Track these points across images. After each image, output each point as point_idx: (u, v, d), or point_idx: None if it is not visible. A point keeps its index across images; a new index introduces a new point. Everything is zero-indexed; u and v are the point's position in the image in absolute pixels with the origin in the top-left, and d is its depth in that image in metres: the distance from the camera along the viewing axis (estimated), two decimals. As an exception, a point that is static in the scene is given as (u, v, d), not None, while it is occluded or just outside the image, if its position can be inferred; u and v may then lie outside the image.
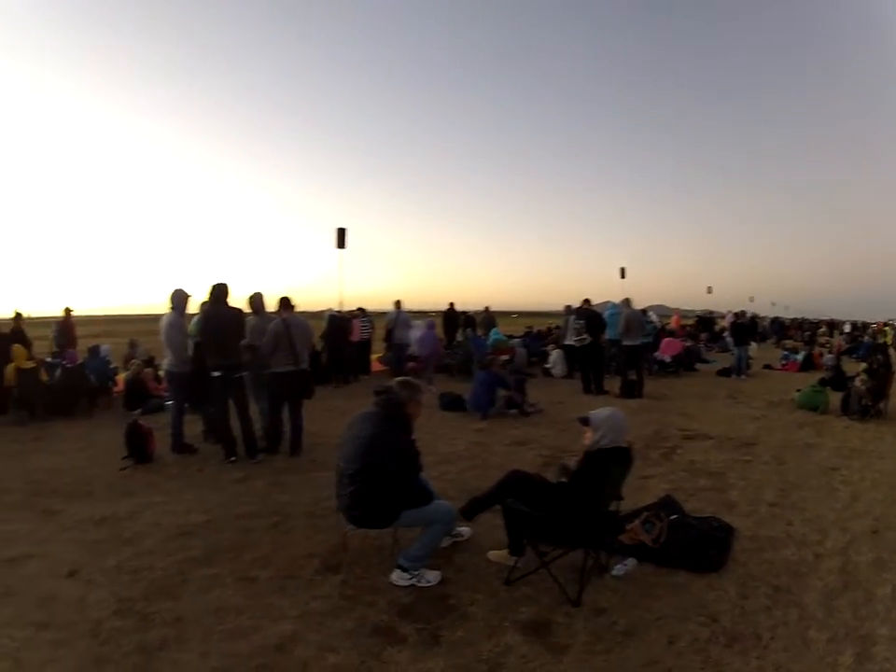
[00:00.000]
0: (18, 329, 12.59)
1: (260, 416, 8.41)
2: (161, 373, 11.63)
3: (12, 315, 12.95)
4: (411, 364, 15.65)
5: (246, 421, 7.67)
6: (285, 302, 8.03)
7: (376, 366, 16.73)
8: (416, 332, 15.27)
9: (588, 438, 4.25)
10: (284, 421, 8.07)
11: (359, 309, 17.02)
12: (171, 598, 4.23)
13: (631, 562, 4.47)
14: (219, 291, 7.56)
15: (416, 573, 4.21)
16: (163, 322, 8.03)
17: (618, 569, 4.39)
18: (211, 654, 3.61)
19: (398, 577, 4.23)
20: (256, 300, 8.50)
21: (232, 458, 7.62)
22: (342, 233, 18.52)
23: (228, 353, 7.48)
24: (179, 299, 8.06)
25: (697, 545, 4.56)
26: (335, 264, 19.72)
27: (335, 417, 9.64)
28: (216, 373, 7.49)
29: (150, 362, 13.81)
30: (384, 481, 4.13)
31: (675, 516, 4.94)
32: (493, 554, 4.55)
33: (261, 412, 8.46)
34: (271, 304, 8.55)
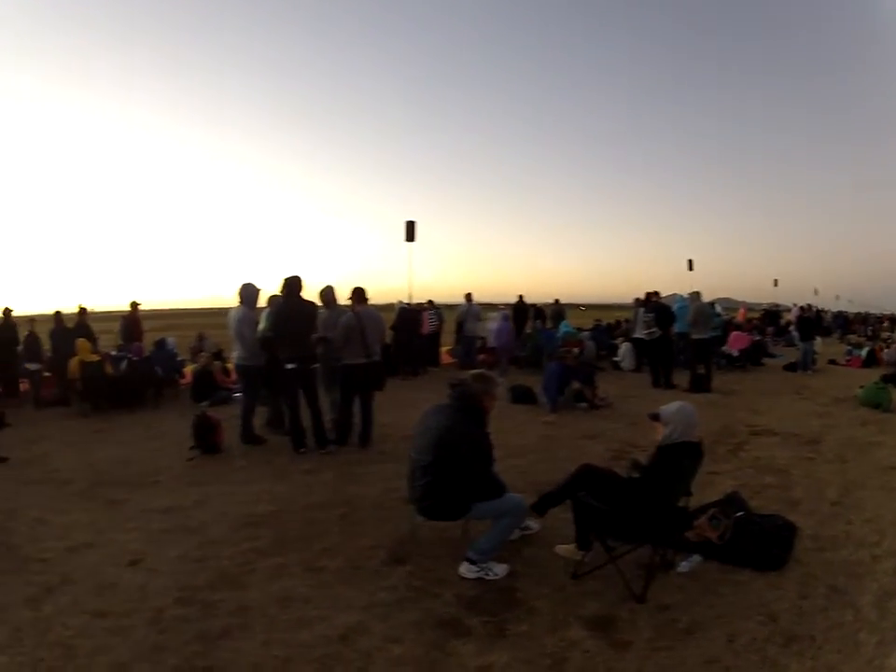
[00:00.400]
0: (82, 323, 13.34)
1: (330, 408, 8.85)
2: (230, 366, 12.31)
3: (76, 309, 13.61)
4: (481, 357, 16.53)
5: (317, 413, 8.11)
6: (358, 294, 8.42)
7: (445, 358, 17.62)
8: (492, 324, 15.92)
9: (659, 433, 4.42)
10: (354, 413, 8.44)
11: (429, 302, 18.02)
12: (236, 587, 4.41)
13: (696, 558, 4.65)
14: (293, 284, 7.98)
15: (484, 566, 4.39)
16: (233, 316, 8.55)
17: (683, 566, 4.56)
18: (273, 643, 3.74)
19: (466, 569, 4.40)
20: (327, 293, 8.89)
21: (302, 450, 8.04)
22: (411, 226, 19.03)
23: (301, 345, 7.93)
24: (249, 293, 8.60)
25: (761, 543, 4.75)
26: (404, 256, 19.89)
27: (404, 409, 10.01)
28: (289, 366, 7.91)
29: (219, 355, 14.45)
30: (457, 473, 4.33)
31: (740, 513, 5.12)
32: (560, 549, 4.73)
33: (332, 403, 8.91)
34: (341, 296, 9.00)
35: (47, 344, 13.37)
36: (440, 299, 19.38)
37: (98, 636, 3.91)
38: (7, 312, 13.05)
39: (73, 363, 11.80)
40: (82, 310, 13.72)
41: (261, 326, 8.61)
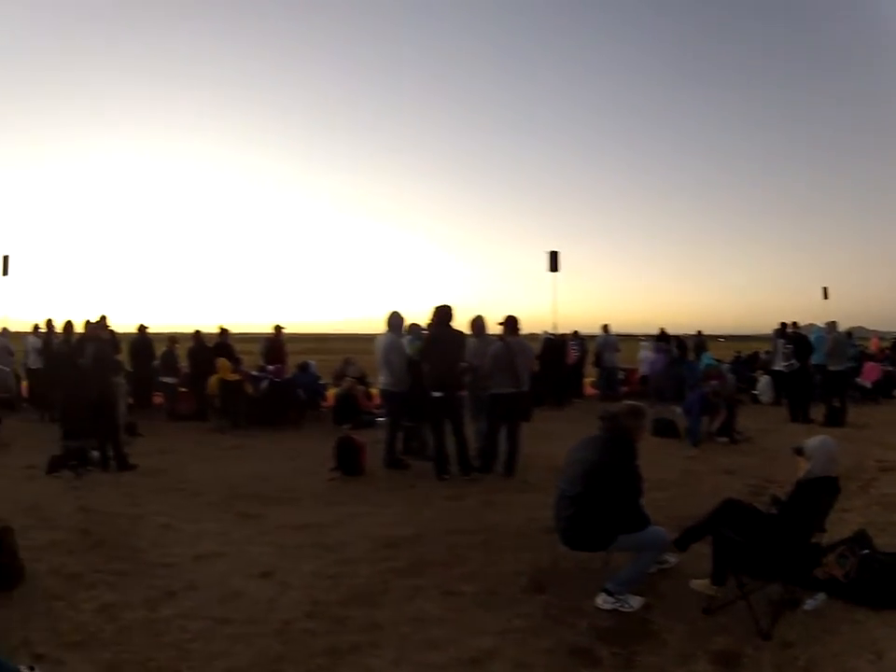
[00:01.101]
0: (224, 343, 14.33)
1: (476, 436, 9.22)
2: (373, 391, 12.89)
3: (217, 329, 14.46)
4: (625, 388, 17.33)
5: (462, 440, 8.51)
6: (510, 324, 8.83)
7: (588, 390, 18.12)
8: (644, 353, 17.26)
9: (802, 467, 4.67)
10: (499, 442, 8.77)
11: (573, 332, 18.73)
12: (369, 605, 4.57)
13: (821, 596, 4.75)
14: (444, 313, 8.56)
15: (621, 598, 4.56)
16: (381, 342, 9.13)
17: (809, 604, 4.66)
18: (403, 662, 3.86)
19: (602, 601, 4.58)
20: (477, 322, 9.44)
21: (445, 476, 8.39)
22: (554, 256, 20.25)
23: (448, 374, 8.39)
24: (396, 320, 9.22)
25: (883, 581, 4.80)
26: (548, 287, 20.46)
27: (547, 440, 10.16)
28: (436, 393, 8.37)
29: (362, 379, 14.64)
30: (605, 504, 4.57)
31: (866, 551, 5.14)
32: (695, 583, 4.89)
33: (477, 432, 9.29)
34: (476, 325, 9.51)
35: (184, 361, 14.26)
36: (581, 329, 19.77)
37: (218, 641, 4.07)
38: (143, 328, 14.14)
39: (212, 381, 12.48)
40: (223, 330, 14.50)
41: (411, 351, 9.11)
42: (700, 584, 4.82)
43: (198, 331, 14.39)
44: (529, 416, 8.91)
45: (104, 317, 10.78)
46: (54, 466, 8.49)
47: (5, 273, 18.07)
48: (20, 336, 16.13)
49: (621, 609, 4.48)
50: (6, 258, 18.07)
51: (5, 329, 15.85)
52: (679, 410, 12.25)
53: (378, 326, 9.21)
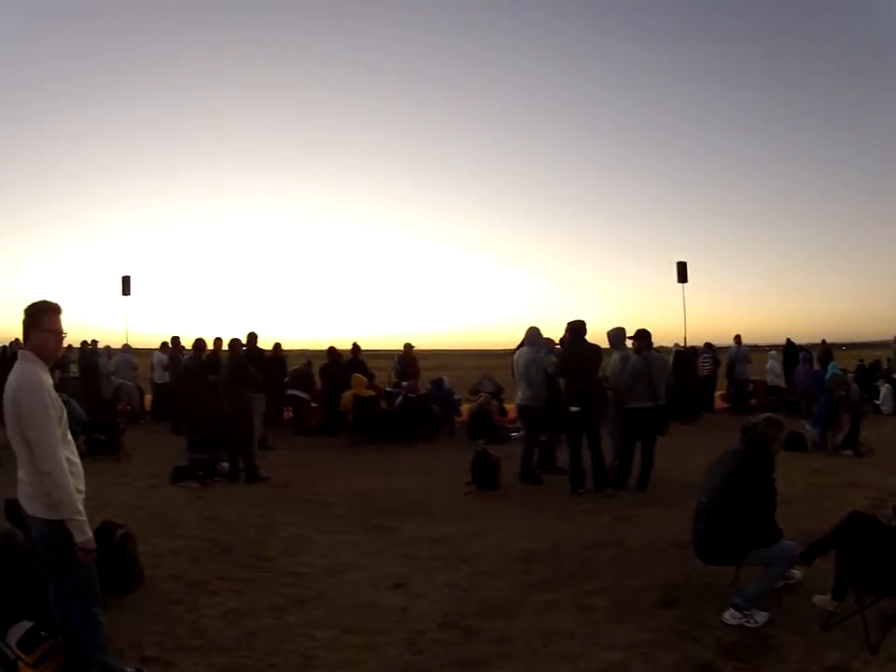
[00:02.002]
0: (357, 359, 14.55)
1: (613, 450, 9.20)
2: (508, 406, 13.14)
3: (350, 346, 14.92)
4: (753, 401, 16.95)
5: (598, 455, 8.54)
6: (644, 337, 8.86)
7: (719, 403, 17.78)
8: (772, 364, 17.31)
9: None
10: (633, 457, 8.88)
11: (706, 344, 18.47)
12: (502, 618, 4.61)
13: None
14: (578, 328, 8.66)
15: (748, 613, 4.61)
16: (520, 358, 9.23)
17: None
18: None
19: (730, 616, 4.63)
20: (614, 335, 9.27)
21: (580, 491, 8.38)
22: (683, 267, 20.15)
23: (586, 388, 8.42)
24: (534, 336, 9.30)
25: None
26: (677, 298, 20.03)
27: (680, 455, 10.17)
28: (573, 408, 8.41)
29: (497, 395, 14.68)
30: (741, 517, 4.65)
31: None
32: (817, 599, 4.92)
33: (614, 445, 9.23)
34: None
35: (317, 377, 14.52)
36: (711, 340, 19.31)
37: (345, 650, 4.12)
38: (277, 346, 14.63)
39: (346, 396, 12.61)
40: (355, 346, 14.75)
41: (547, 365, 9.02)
42: (821, 600, 4.84)
43: (332, 347, 14.64)
44: (665, 431, 8.96)
45: (251, 334, 11.06)
46: (179, 476, 8.77)
47: (126, 292, 19.07)
48: (141, 352, 17.02)
49: (746, 623, 4.53)
50: (126, 278, 19.12)
51: (127, 345, 16.87)
52: (807, 425, 11.99)
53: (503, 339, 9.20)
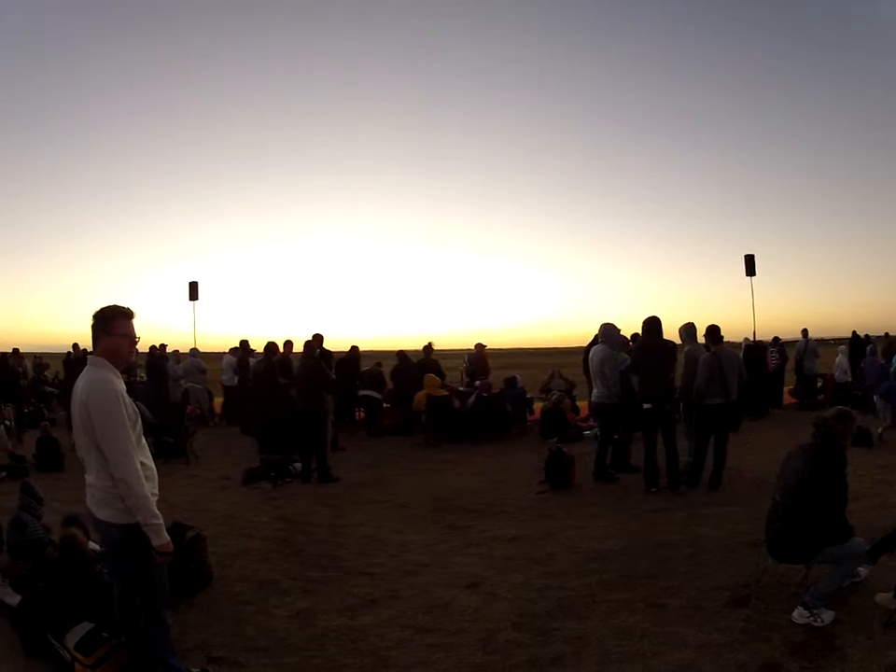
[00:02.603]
0: (430, 360, 14.58)
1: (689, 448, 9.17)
2: (580, 404, 13.42)
3: (423, 346, 14.97)
4: (821, 396, 16.86)
5: (672, 453, 8.50)
6: (714, 333, 8.87)
7: (787, 398, 17.62)
8: (841, 359, 17.07)
9: None
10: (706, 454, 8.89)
11: (774, 339, 18.24)
12: (575, 618, 4.64)
13: None
14: (653, 324, 8.60)
15: (816, 611, 4.60)
16: (595, 355, 9.23)
17: None
18: None
19: (798, 614, 4.64)
20: (685, 331, 9.39)
21: (653, 489, 8.40)
22: (751, 260, 19.81)
23: (660, 385, 8.40)
24: (609, 332, 9.33)
25: None
26: (746, 291, 19.57)
27: (751, 452, 10.12)
28: (646, 405, 8.44)
29: (569, 393, 14.88)
30: (814, 514, 4.63)
31: None
32: (879, 597, 4.88)
33: (689, 442, 9.21)
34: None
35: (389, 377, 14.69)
36: (779, 334, 19.09)
37: (418, 650, 4.12)
38: (354, 348, 14.71)
39: (419, 396, 12.68)
40: (429, 346, 14.75)
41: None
42: (883, 598, 4.81)
43: (401, 351, 14.83)
44: (737, 427, 8.87)
45: (317, 336, 11.14)
46: (251, 477, 8.92)
47: (194, 297, 19.44)
48: (210, 356, 17.30)
49: (813, 623, 4.52)
50: (194, 283, 19.50)
51: (195, 348, 17.26)
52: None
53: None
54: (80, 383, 3.41)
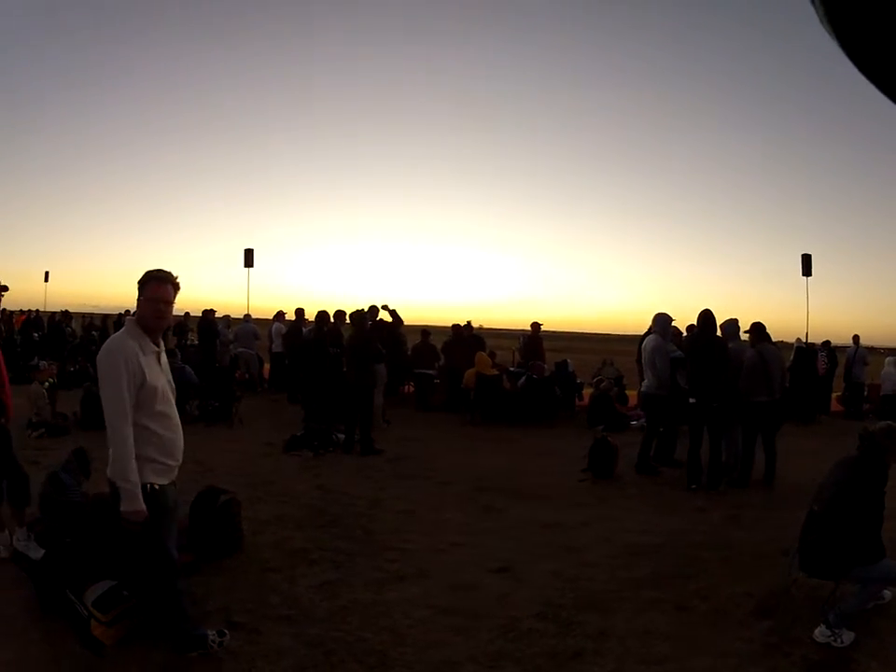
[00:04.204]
0: (475, 335, 14.75)
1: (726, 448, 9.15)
2: (629, 393, 13.54)
3: (464, 323, 14.97)
4: (866, 406, 16.65)
5: (716, 451, 8.46)
6: (759, 331, 8.85)
7: (834, 405, 17.18)
8: (888, 371, 16.36)
9: None
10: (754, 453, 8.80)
11: (824, 343, 17.74)
12: (601, 612, 4.60)
13: None
14: (705, 318, 8.51)
15: (837, 631, 4.52)
16: (647, 344, 9.24)
17: None
18: None
19: (820, 633, 4.55)
20: (727, 327, 9.25)
21: (693, 486, 8.31)
22: (807, 260, 19.18)
23: (707, 380, 8.33)
24: (663, 322, 9.29)
25: None
26: (801, 292, 18.98)
27: (795, 457, 9.74)
28: (691, 400, 8.42)
29: (619, 381, 14.68)
30: (847, 529, 4.55)
31: None
32: None
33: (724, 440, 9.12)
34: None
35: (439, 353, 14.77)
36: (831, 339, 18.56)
37: (438, 631, 4.13)
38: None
39: (469, 374, 12.65)
40: (468, 324, 14.83)
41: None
42: None
43: (456, 325, 14.78)
44: (779, 427, 8.85)
45: (372, 308, 11.18)
46: (294, 445, 9.03)
47: (249, 264, 19.60)
48: (262, 322, 17.66)
49: (833, 643, 4.45)
50: (249, 251, 19.62)
51: (248, 314, 17.46)
52: None
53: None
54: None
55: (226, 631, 3.74)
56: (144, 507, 3.29)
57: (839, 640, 4.48)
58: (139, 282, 3.43)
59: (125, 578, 4.10)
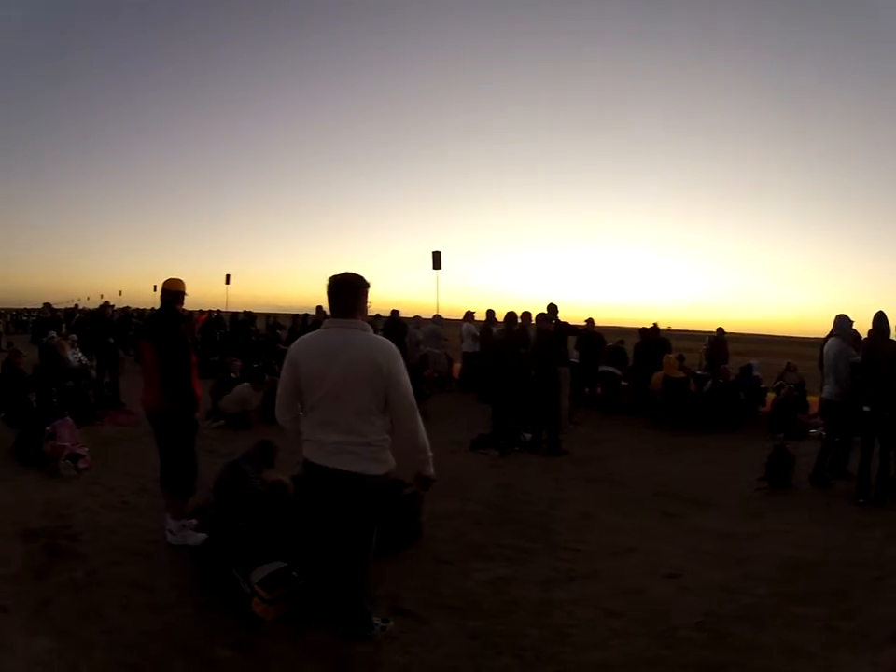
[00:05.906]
0: (660, 338, 14.28)
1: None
2: (811, 399, 13.01)
3: (651, 326, 14.61)
4: None
5: (885, 463, 7.96)
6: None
7: None
8: None
9: None
10: None
11: None
12: (755, 626, 4.54)
13: None
14: (879, 322, 8.12)
15: None
16: (829, 349, 8.76)
17: None
18: None
19: None
20: (839, 324, 8.91)
21: (860, 501, 7.89)
22: None
23: (882, 388, 7.90)
24: (844, 325, 8.80)
25: None
26: None
27: None
28: (865, 408, 8.01)
29: (800, 387, 14.09)
30: None
31: None
32: None
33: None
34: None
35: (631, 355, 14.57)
36: None
37: (599, 632, 4.22)
38: (590, 321, 14.60)
39: (656, 377, 12.55)
40: (655, 326, 14.48)
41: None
42: None
43: (643, 328, 14.49)
44: None
45: (552, 307, 11.27)
46: (481, 443, 9.33)
47: (437, 266, 19.99)
48: (452, 323, 18.04)
49: None
50: (437, 253, 19.98)
51: (437, 315, 17.82)
52: None
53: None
54: (357, 340, 3.61)
55: (389, 619, 4.02)
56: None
57: None
58: (364, 285, 3.72)
59: (297, 560, 4.33)
